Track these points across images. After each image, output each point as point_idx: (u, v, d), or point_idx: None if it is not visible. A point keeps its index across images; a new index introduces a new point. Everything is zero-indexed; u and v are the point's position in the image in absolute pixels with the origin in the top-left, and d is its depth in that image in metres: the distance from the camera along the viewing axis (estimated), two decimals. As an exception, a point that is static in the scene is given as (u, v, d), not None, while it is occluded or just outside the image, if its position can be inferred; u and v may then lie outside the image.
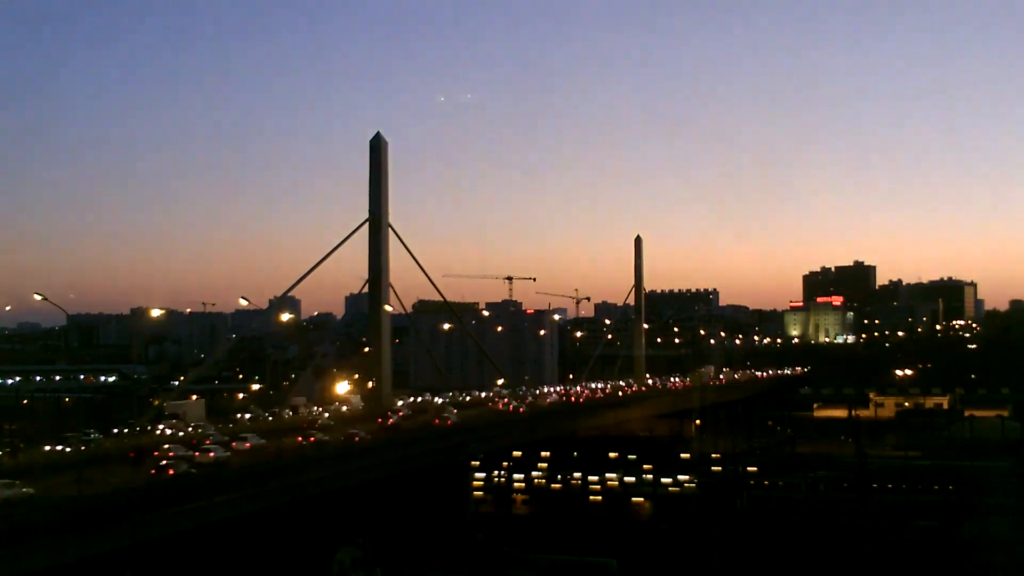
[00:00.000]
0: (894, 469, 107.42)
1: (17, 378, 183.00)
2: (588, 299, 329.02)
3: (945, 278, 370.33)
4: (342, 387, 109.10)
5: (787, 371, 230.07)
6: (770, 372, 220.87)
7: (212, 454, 61.65)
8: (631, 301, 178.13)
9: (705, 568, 74.17)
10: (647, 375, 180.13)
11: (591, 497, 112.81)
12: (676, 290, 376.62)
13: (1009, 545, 73.95)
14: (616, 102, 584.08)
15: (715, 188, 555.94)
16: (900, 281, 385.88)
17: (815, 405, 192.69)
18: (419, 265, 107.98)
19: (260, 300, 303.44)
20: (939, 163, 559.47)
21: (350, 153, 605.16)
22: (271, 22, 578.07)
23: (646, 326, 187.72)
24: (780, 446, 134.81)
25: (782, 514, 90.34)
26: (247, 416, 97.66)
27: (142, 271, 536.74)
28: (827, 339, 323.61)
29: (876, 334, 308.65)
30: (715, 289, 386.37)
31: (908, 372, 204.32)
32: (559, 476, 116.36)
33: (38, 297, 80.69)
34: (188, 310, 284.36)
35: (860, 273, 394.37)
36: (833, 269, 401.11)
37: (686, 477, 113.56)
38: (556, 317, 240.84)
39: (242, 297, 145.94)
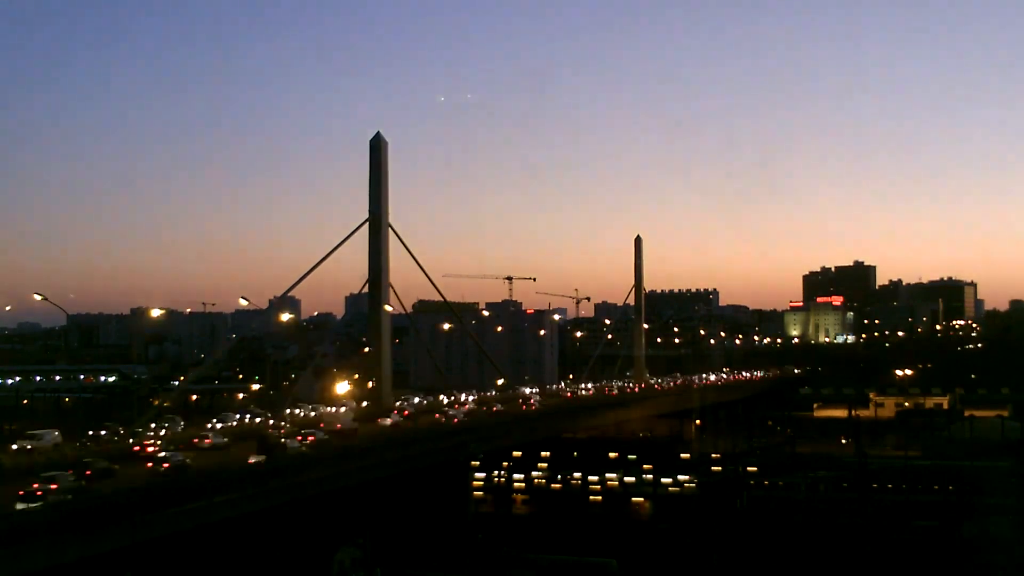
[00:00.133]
0: (894, 469, 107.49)
1: (17, 378, 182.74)
2: (588, 299, 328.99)
3: (945, 278, 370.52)
4: (342, 387, 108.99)
5: (785, 371, 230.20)
6: (771, 373, 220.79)
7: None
8: (631, 301, 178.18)
9: (705, 568, 74.26)
10: (647, 375, 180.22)
11: (591, 497, 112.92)
12: (676, 290, 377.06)
13: (1009, 545, 73.97)
14: (616, 102, 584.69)
15: (715, 188, 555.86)
16: (900, 281, 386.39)
17: (815, 405, 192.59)
18: (419, 265, 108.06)
19: (260, 300, 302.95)
20: (939, 163, 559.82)
21: (350, 153, 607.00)
22: (271, 22, 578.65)
23: (646, 326, 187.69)
24: (780, 446, 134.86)
25: (782, 514, 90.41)
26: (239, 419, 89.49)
27: (142, 271, 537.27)
28: (827, 339, 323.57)
29: (876, 334, 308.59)
30: (715, 289, 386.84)
31: (908, 372, 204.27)
32: (559, 476, 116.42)
33: (38, 297, 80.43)
34: (188, 310, 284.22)
35: (860, 273, 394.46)
36: (833, 269, 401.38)
37: (686, 477, 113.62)
38: (556, 317, 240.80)
39: (242, 297, 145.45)
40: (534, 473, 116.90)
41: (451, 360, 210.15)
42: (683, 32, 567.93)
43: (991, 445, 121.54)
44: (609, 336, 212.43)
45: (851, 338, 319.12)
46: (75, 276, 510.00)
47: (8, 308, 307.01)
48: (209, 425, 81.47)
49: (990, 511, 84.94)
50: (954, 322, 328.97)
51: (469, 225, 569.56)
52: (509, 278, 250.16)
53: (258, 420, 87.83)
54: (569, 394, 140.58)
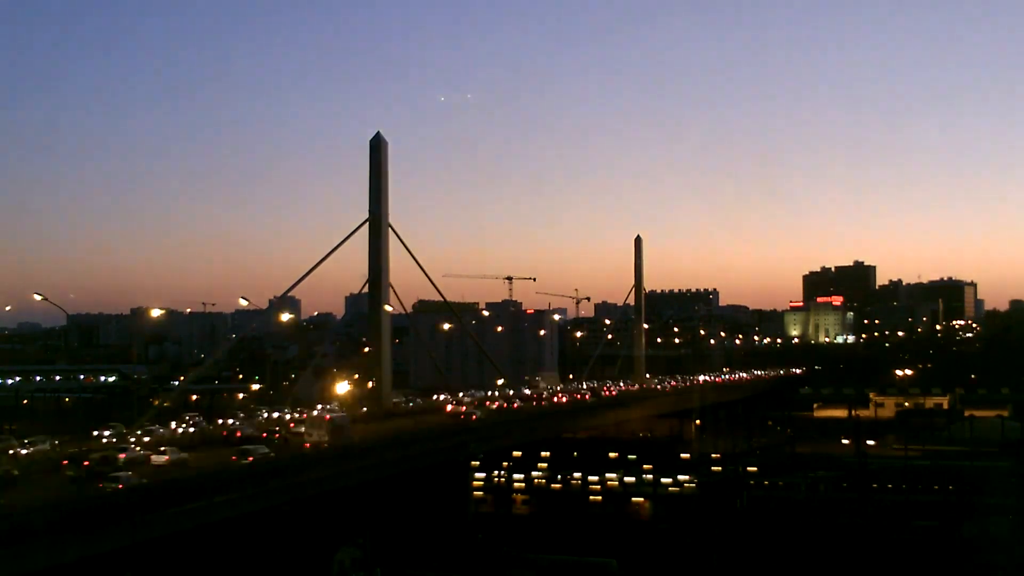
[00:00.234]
0: (894, 469, 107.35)
1: (17, 378, 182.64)
2: (588, 299, 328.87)
3: (945, 278, 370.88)
4: (342, 387, 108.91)
5: (785, 371, 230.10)
6: (771, 373, 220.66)
7: None
8: (631, 301, 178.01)
9: (705, 568, 74.24)
10: (647, 375, 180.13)
11: (591, 497, 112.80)
12: (676, 290, 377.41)
13: (1009, 545, 74.00)
14: (616, 102, 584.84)
15: (715, 188, 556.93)
16: (900, 281, 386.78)
17: (815, 405, 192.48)
18: (419, 265, 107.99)
19: (260, 300, 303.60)
20: (939, 163, 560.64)
21: (350, 153, 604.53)
22: (271, 22, 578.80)
23: (646, 326, 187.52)
24: (780, 446, 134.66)
25: (782, 514, 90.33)
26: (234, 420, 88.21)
27: (142, 271, 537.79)
28: (827, 339, 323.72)
29: (876, 334, 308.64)
30: (715, 289, 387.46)
31: (908, 372, 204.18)
32: (559, 476, 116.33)
33: (38, 297, 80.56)
34: (188, 310, 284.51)
35: (860, 273, 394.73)
36: (833, 269, 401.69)
37: (686, 477, 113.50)
38: (556, 317, 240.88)
39: (242, 297, 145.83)
40: (534, 473, 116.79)
41: (451, 360, 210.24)
42: (684, 33, 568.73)
43: (991, 445, 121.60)
44: (609, 336, 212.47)
45: (851, 338, 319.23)
46: (75, 276, 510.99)
47: (8, 308, 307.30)
48: (233, 421, 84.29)
49: (990, 511, 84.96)
50: (954, 322, 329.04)
51: (469, 225, 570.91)
52: (509, 278, 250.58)
53: (276, 415, 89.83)
54: (565, 398, 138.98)
